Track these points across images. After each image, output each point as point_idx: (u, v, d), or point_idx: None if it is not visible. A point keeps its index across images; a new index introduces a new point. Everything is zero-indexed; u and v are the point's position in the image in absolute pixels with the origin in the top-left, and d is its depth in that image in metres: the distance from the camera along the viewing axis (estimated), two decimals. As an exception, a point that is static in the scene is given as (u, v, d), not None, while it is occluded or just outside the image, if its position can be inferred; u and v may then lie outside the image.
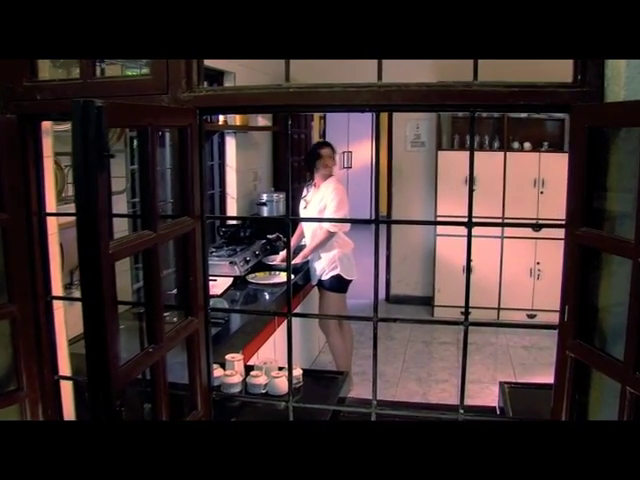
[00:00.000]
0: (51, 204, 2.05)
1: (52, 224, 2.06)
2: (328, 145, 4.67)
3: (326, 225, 4.48)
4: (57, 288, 2.10)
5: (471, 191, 1.73)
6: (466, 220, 1.73)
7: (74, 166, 1.27)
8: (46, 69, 2.01)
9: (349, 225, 4.70)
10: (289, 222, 1.88)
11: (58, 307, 2.09)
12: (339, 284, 4.59)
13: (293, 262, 4.58)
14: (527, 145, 6.38)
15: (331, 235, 4.50)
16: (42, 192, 1.96)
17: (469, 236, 1.72)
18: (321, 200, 4.53)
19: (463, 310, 1.75)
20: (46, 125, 2.03)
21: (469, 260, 1.76)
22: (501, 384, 2.66)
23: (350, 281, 4.64)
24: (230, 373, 2.47)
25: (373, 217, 1.82)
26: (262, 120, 5.64)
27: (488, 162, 6.13)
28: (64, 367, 2.14)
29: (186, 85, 1.75)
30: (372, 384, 1.88)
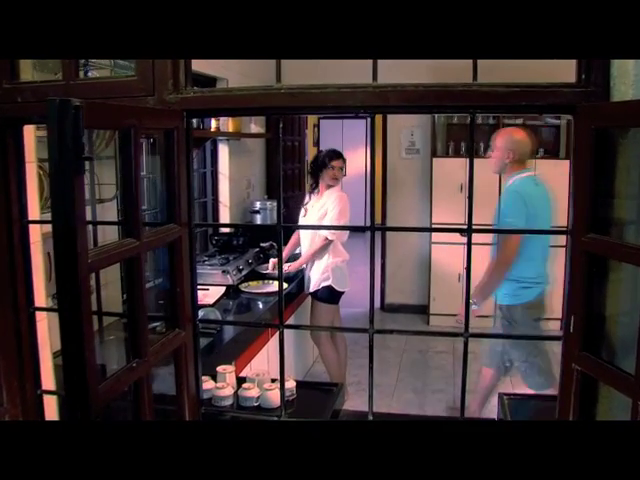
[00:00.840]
0: (34, 211, 1.98)
1: (35, 232, 1.98)
2: (340, 157, 4.52)
3: (324, 232, 4.39)
4: (40, 299, 2.02)
5: (471, 196, 1.66)
6: (464, 227, 1.66)
7: (50, 169, 1.19)
8: (28, 71, 1.93)
9: (347, 235, 4.61)
10: (280, 230, 1.81)
11: (41, 318, 2.01)
12: (330, 295, 4.50)
13: (288, 269, 4.52)
14: (523, 152, 6.33)
15: (328, 243, 4.40)
16: (24, 199, 1.89)
17: (469, 243, 1.66)
18: (321, 207, 4.44)
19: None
20: (29, 129, 1.96)
21: (469, 268, 1.69)
22: (500, 396, 2.57)
23: (342, 293, 4.55)
24: (221, 385, 2.39)
25: (368, 224, 1.75)
26: (255, 127, 5.58)
27: (482, 169, 6.02)
28: (48, 381, 2.06)
29: (173, 86, 1.67)
30: (368, 398, 1.80)
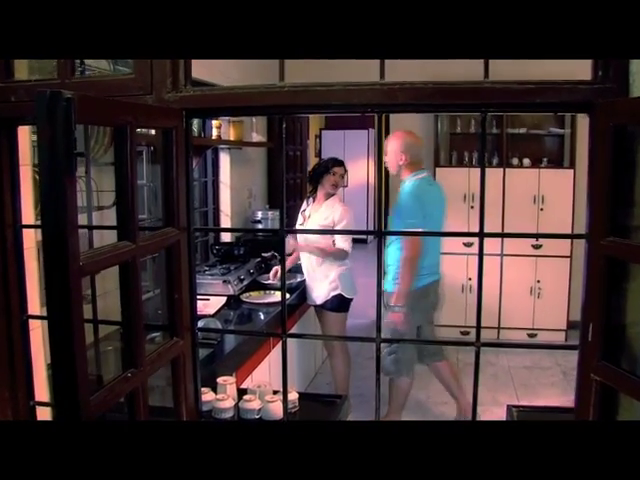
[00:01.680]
0: (28, 216, 1.92)
1: (29, 238, 1.92)
2: (342, 164, 4.47)
3: (342, 244, 4.33)
4: (34, 306, 1.96)
5: (482, 201, 1.60)
6: (475, 232, 1.60)
7: (40, 166, 1.13)
8: (23, 70, 1.87)
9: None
10: (283, 235, 1.74)
11: (35, 327, 1.94)
12: (340, 304, 4.42)
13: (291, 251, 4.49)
14: (526, 161, 6.29)
15: (343, 254, 4.35)
16: (17, 203, 1.82)
17: (480, 248, 1.59)
18: (325, 218, 4.37)
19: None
20: (24, 132, 1.90)
21: (480, 274, 1.62)
22: (509, 407, 2.49)
23: (351, 300, 4.48)
24: (222, 397, 2.31)
25: (370, 232, 1.69)
26: (257, 136, 5.53)
27: (487, 178, 5.90)
28: (41, 392, 1.99)
29: (172, 85, 1.61)
30: (375, 410, 1.73)
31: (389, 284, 4.03)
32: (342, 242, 4.33)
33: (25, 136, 1.94)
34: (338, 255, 4.35)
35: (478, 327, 1.63)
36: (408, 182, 3.96)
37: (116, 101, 1.42)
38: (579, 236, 1.49)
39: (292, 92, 1.55)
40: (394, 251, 4.02)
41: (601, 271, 1.39)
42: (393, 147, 4.06)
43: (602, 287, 1.39)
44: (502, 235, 1.59)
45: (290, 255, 4.63)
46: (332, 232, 4.43)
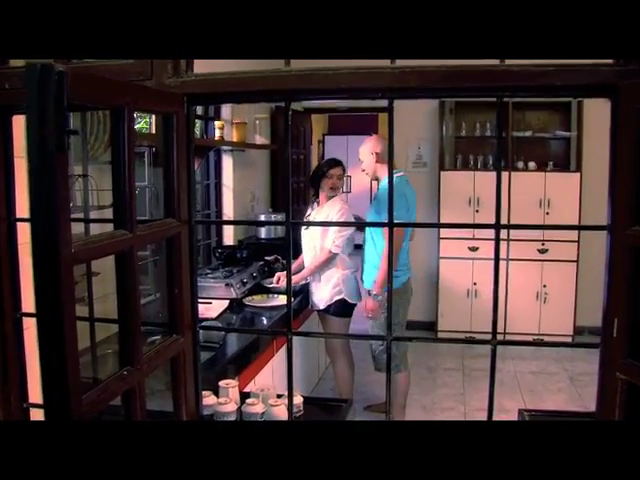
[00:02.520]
0: (23, 209, 1.84)
1: (24, 232, 1.84)
2: (339, 164, 4.43)
3: (328, 245, 4.26)
4: (28, 303, 1.88)
5: (499, 190, 1.53)
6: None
7: (28, 146, 1.05)
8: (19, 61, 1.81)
9: (352, 247, 4.47)
10: (290, 227, 1.67)
11: (30, 326, 1.87)
12: (343, 308, 4.35)
13: (292, 282, 4.35)
14: (532, 165, 6.23)
15: (332, 256, 4.27)
16: (12, 195, 1.75)
17: (497, 240, 1.51)
18: (325, 219, 4.31)
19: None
20: (19, 123, 1.84)
21: (497, 266, 1.54)
22: (520, 412, 2.43)
23: (354, 305, 4.40)
24: (224, 401, 2.24)
25: (381, 224, 1.61)
26: (260, 138, 5.48)
27: (492, 182, 5.85)
28: (35, 393, 1.90)
29: (172, 70, 1.54)
30: (385, 414, 1.65)
31: (368, 282, 4.23)
32: (329, 243, 4.29)
33: (20, 127, 1.88)
34: (327, 260, 4.32)
35: (494, 324, 1.55)
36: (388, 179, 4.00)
37: (112, 80, 1.34)
38: (600, 227, 1.41)
39: (298, 76, 1.48)
40: (370, 248, 4.22)
41: (626, 263, 1.32)
42: (366, 149, 4.28)
43: (628, 280, 1.32)
44: (518, 226, 1.53)
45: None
46: (338, 224, 4.36)
